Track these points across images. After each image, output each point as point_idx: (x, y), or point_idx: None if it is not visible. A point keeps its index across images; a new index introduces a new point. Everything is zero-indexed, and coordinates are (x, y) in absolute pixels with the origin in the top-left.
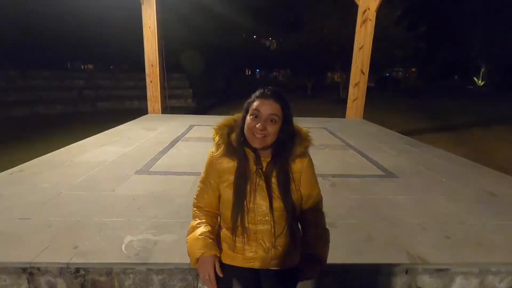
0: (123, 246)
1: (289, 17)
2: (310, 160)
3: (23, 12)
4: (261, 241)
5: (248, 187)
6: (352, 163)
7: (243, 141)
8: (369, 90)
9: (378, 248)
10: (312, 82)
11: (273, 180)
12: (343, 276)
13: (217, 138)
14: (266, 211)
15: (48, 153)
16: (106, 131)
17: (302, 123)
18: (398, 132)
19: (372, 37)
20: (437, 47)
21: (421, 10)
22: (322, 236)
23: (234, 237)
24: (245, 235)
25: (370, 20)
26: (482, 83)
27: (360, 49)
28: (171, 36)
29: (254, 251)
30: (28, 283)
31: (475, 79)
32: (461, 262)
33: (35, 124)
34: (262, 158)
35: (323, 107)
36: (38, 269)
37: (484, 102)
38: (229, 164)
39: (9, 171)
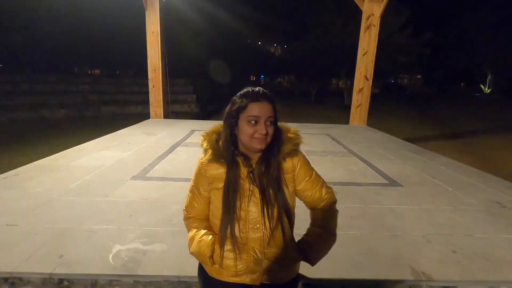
0: (110, 256)
1: (293, 24)
2: (303, 157)
3: (29, 16)
4: (252, 252)
5: (239, 194)
6: (355, 170)
7: (234, 149)
8: (374, 96)
9: (380, 262)
10: (316, 88)
11: (265, 182)
12: None
13: (205, 144)
14: (258, 218)
15: (48, 156)
16: (105, 136)
17: (305, 129)
18: (402, 139)
19: (376, 43)
20: (443, 54)
21: (426, 17)
22: (321, 237)
23: (222, 251)
24: (236, 247)
25: (374, 26)
26: (489, 90)
27: (364, 55)
28: (175, 41)
29: (245, 263)
30: None
31: (482, 86)
32: (470, 279)
33: (39, 128)
34: (252, 161)
35: (327, 113)
36: (20, 279)
37: (491, 109)
38: (218, 171)
39: (4, 175)
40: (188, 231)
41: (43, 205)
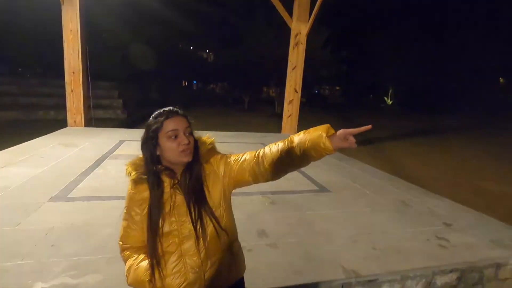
0: None
1: (226, 32)
2: (220, 153)
3: None
4: (189, 262)
5: (164, 209)
6: (290, 178)
7: (156, 170)
8: (301, 105)
9: (317, 265)
10: (249, 96)
11: (190, 190)
12: None
13: (129, 169)
14: (190, 225)
15: None
16: (10, 148)
17: (241, 138)
18: None
19: (303, 59)
20: (356, 70)
21: (343, 37)
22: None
23: (157, 273)
24: (158, 269)
25: (301, 43)
26: (391, 102)
27: (293, 69)
28: (98, 40)
29: (183, 276)
30: None
31: (385, 98)
32: (387, 271)
33: None
34: (177, 173)
35: (260, 121)
36: None
37: (393, 118)
38: (147, 191)
39: None
40: (126, 262)
41: None
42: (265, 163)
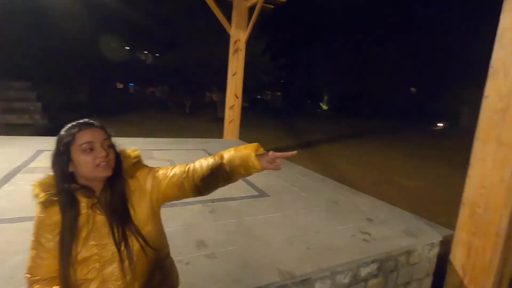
0: None
1: (166, 34)
2: (148, 167)
3: None
4: (111, 285)
5: (84, 233)
6: (231, 185)
7: (69, 189)
8: (244, 110)
9: (256, 271)
10: (191, 100)
11: (112, 208)
12: None
13: (36, 190)
14: (113, 247)
15: None
16: None
17: (181, 144)
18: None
19: (243, 65)
20: (294, 76)
21: (281, 45)
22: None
23: None
24: None
25: (241, 50)
26: (326, 107)
27: (233, 75)
28: (10, 34)
29: None
30: None
31: (321, 104)
32: (318, 269)
33: None
34: (96, 191)
35: (202, 125)
36: None
37: (329, 122)
38: (58, 215)
39: None
40: None
41: None
42: (195, 178)
